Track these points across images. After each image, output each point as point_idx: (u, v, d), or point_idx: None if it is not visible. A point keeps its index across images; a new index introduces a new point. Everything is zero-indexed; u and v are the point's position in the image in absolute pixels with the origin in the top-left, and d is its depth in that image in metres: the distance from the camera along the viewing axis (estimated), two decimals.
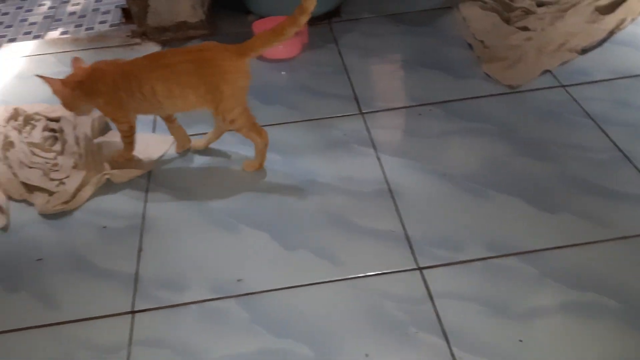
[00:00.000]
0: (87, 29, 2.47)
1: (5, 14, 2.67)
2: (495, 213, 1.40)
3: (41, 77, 1.45)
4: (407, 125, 1.71)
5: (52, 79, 1.45)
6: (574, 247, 1.29)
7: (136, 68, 1.43)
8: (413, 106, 1.79)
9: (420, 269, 1.28)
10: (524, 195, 1.44)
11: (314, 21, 2.21)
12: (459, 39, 2.10)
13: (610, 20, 2.04)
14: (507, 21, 2.13)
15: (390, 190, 1.49)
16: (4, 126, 1.64)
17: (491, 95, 1.80)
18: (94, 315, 1.22)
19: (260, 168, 1.57)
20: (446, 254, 1.31)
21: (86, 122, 1.67)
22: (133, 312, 1.22)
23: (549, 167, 1.52)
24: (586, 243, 1.30)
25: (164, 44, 2.19)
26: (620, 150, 1.54)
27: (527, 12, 2.14)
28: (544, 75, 1.86)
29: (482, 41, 2.05)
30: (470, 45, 2.05)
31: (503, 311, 1.18)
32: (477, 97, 1.80)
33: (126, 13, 2.45)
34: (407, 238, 1.35)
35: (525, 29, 2.06)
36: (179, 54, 1.48)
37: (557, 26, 2.04)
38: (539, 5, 2.18)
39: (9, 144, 1.58)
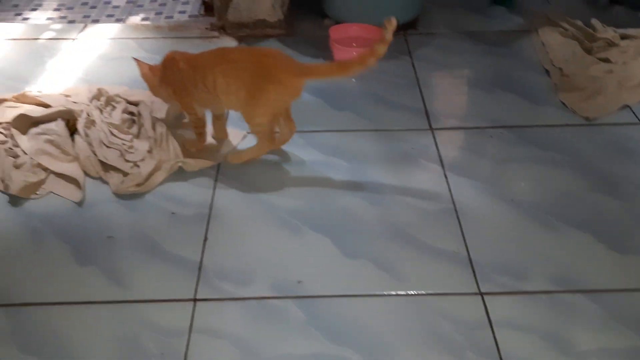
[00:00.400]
0: (166, 17, 2.54)
1: None
2: (564, 246, 1.37)
3: (136, 60, 1.55)
4: (477, 146, 1.69)
5: (143, 62, 1.52)
6: None
7: (203, 60, 1.49)
8: (485, 127, 1.77)
9: (481, 294, 1.26)
10: (595, 232, 1.40)
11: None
12: (536, 64, 2.06)
13: None
14: (588, 51, 2.09)
15: (455, 210, 1.47)
16: (88, 105, 1.70)
17: (566, 125, 1.77)
18: (158, 298, 1.26)
19: (243, 161, 1.58)
20: (510, 282, 1.29)
21: (162, 109, 1.72)
22: (195, 300, 1.25)
23: (622, 206, 1.48)
24: None
25: (240, 39, 2.23)
26: None
27: (610, 44, 2.09)
28: (623, 110, 1.82)
29: (560, 69, 2.01)
30: (547, 72, 2.01)
31: (564, 348, 1.15)
32: (552, 126, 1.77)
33: (206, 5, 2.51)
34: (470, 261, 1.34)
35: (606, 60, 2.01)
36: (245, 52, 1.56)
37: None
38: (623, 37, 2.13)
39: (90, 122, 1.64)
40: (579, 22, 2.23)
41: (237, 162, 1.59)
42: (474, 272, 1.31)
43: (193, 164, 1.56)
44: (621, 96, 1.86)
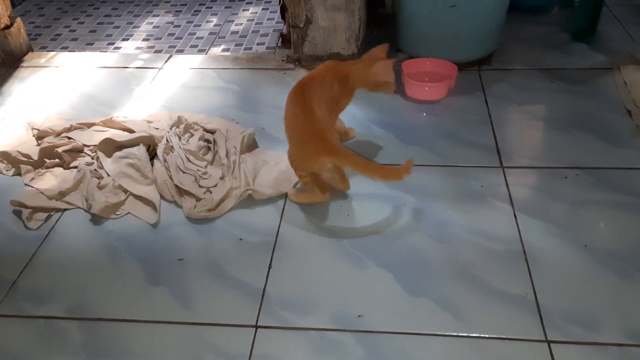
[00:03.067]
0: (245, 49, 2.65)
1: (177, 26, 2.93)
2: (639, 297, 1.30)
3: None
4: (550, 187, 1.64)
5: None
6: None
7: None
8: (559, 167, 1.72)
9: (548, 341, 1.22)
10: None
11: (463, 66, 2.22)
12: (617, 104, 1.99)
13: None
14: None
15: (524, 253, 1.44)
16: (168, 131, 1.80)
17: None
18: (221, 322, 1.29)
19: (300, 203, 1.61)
20: (579, 331, 1.24)
21: (237, 137, 1.79)
22: (257, 327, 1.28)
23: None
24: None
25: None
26: None
27: None
28: None
29: None
30: (629, 112, 1.93)
31: None
32: (632, 169, 1.69)
33: (283, 38, 2.60)
34: (538, 306, 1.30)
35: None
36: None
37: None
38: None
39: (169, 148, 1.73)
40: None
41: (295, 201, 1.61)
42: (541, 318, 1.27)
43: (262, 192, 1.61)
44: None
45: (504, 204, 1.59)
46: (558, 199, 1.60)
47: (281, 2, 2.34)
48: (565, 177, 1.68)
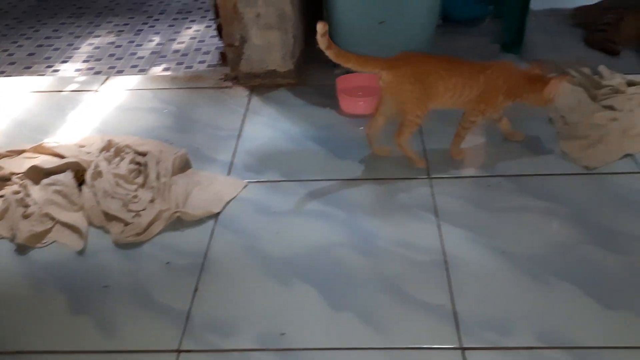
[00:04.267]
0: (186, 67, 2.66)
1: (118, 46, 2.93)
2: (552, 301, 1.36)
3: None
4: (474, 196, 1.70)
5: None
6: (628, 350, 1.23)
7: None
8: (483, 176, 1.78)
9: (462, 349, 1.26)
10: (586, 286, 1.39)
11: None
12: (542, 112, 2.06)
13: None
14: (594, 98, 2.08)
15: (445, 262, 1.48)
16: (97, 156, 1.80)
17: (566, 174, 1.76)
18: (142, 349, 1.30)
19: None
20: (492, 336, 1.28)
21: (169, 159, 1.80)
22: (179, 351, 1.29)
23: (617, 260, 1.46)
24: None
25: (252, 89, 2.32)
26: None
27: (616, 91, 2.08)
28: (625, 158, 1.80)
29: (563, 117, 2.01)
30: (551, 120, 2.01)
31: None
32: (551, 175, 1.76)
33: (223, 56, 2.62)
34: (455, 314, 1.34)
35: (611, 108, 2.00)
36: None
37: None
38: (630, 84, 2.11)
39: (97, 174, 1.73)
40: (587, 70, 2.23)
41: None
42: (457, 325, 1.31)
43: (191, 214, 1.62)
44: (623, 145, 1.84)
45: (430, 215, 1.64)
46: (480, 207, 1.65)
47: (217, 21, 2.36)
48: (489, 185, 1.74)
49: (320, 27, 1.58)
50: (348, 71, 2.32)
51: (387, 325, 1.32)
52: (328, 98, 2.20)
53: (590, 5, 2.67)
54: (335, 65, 2.40)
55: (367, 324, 1.33)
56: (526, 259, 1.47)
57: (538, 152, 1.86)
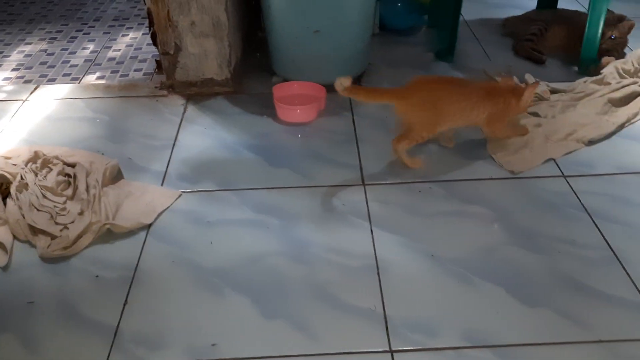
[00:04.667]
0: (122, 76, 2.61)
1: (51, 54, 2.84)
2: (477, 301, 1.41)
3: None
4: (405, 201, 1.74)
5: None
6: (547, 346, 1.29)
7: None
8: (414, 182, 1.82)
9: (392, 351, 1.29)
10: (508, 286, 1.44)
11: (334, 88, 2.30)
12: None
13: (622, 113, 2.05)
14: None
15: (377, 267, 1.51)
16: (23, 167, 1.74)
17: (492, 178, 1.82)
18: None
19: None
20: (420, 338, 1.32)
21: (99, 170, 1.76)
22: None
23: (537, 260, 1.52)
24: (561, 343, 1.29)
25: (188, 98, 2.30)
26: (612, 250, 1.53)
27: (540, 98, 2.18)
28: (548, 162, 1.88)
29: None
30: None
31: None
32: (479, 179, 1.83)
33: (159, 64, 2.59)
34: (385, 318, 1.37)
35: (535, 114, 2.09)
36: None
37: (568, 115, 2.07)
38: (553, 92, 2.22)
39: (23, 186, 1.68)
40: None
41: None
42: (387, 329, 1.34)
43: (121, 225, 1.59)
44: (546, 150, 1.93)
45: (363, 221, 1.67)
46: (411, 212, 1.70)
47: (151, 29, 2.33)
48: (420, 191, 1.78)
49: (339, 84, 1.76)
50: (286, 79, 2.34)
51: (318, 331, 1.34)
52: (265, 106, 2.21)
53: (519, 16, 2.79)
54: (273, 73, 2.44)
55: (299, 331, 1.34)
56: (453, 262, 1.51)
57: (467, 158, 1.93)
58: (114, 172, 1.79)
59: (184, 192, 1.77)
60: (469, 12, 3.00)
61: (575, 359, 1.27)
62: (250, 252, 1.56)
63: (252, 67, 2.50)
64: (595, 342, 1.29)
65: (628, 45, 2.49)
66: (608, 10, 2.29)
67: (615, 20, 2.34)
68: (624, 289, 1.43)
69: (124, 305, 1.40)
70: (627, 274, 1.47)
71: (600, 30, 2.28)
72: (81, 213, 1.63)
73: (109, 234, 1.61)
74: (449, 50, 2.55)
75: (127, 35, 3.06)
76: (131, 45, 2.94)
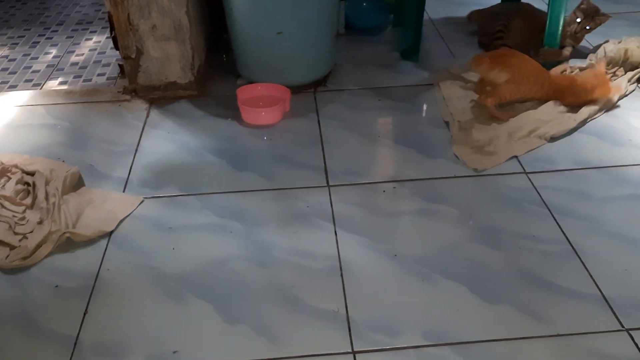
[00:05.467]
0: (85, 80, 2.57)
1: (12, 60, 2.79)
2: (438, 300, 1.42)
3: None
4: (369, 202, 1.75)
5: None
6: (507, 342, 1.31)
7: None
8: (379, 182, 1.83)
9: (354, 352, 1.29)
10: (469, 283, 1.46)
11: (300, 89, 2.31)
12: (436, 118, 2.15)
13: (584, 110, 2.08)
14: None
15: (340, 268, 1.51)
16: None
17: (455, 177, 1.84)
18: None
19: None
20: (383, 338, 1.32)
21: (59, 178, 1.74)
22: None
23: (498, 256, 1.54)
24: (519, 338, 1.31)
25: (152, 102, 2.28)
26: (571, 244, 1.56)
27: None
28: (511, 159, 1.90)
29: (459, 121, 2.10)
30: (447, 124, 2.10)
31: None
32: (442, 178, 1.84)
33: (122, 68, 2.56)
34: (348, 319, 1.37)
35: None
36: None
37: (530, 112, 2.09)
38: None
39: None
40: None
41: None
42: (349, 330, 1.34)
43: (82, 234, 1.57)
44: (510, 147, 1.95)
45: (327, 222, 1.67)
46: (375, 212, 1.70)
47: (112, 32, 2.30)
48: (384, 191, 1.79)
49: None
50: (251, 81, 2.33)
51: (281, 335, 1.34)
52: (230, 109, 2.20)
53: (482, 10, 2.80)
54: (238, 75, 2.42)
55: (262, 335, 1.34)
56: (416, 261, 1.52)
57: (431, 156, 1.94)
58: (75, 179, 1.77)
59: (146, 198, 1.75)
60: (434, 10, 3.03)
61: (534, 353, 1.28)
62: (212, 257, 1.54)
63: (217, 70, 2.49)
64: (554, 337, 1.31)
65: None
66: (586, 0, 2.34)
67: (592, 12, 2.38)
68: (582, 282, 1.45)
69: (84, 314, 1.39)
70: (585, 267, 1.49)
71: (561, 23, 2.31)
72: (40, 222, 1.60)
73: (69, 243, 1.58)
74: (414, 49, 2.56)
75: (91, 39, 3.02)
76: (95, 49, 2.90)
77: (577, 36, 2.38)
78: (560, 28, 2.32)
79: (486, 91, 2.10)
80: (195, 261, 1.54)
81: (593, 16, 2.35)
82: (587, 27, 2.36)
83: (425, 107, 2.24)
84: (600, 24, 2.37)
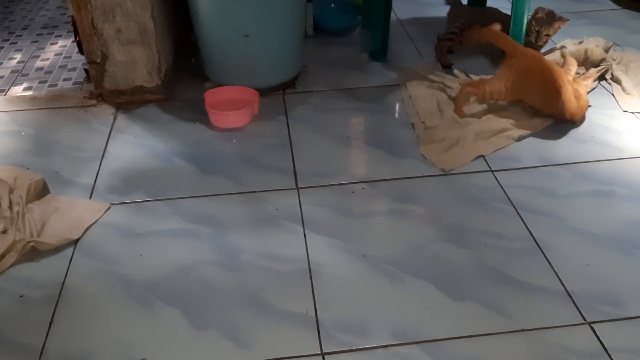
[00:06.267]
0: (50, 86, 2.53)
1: None
2: (407, 299, 1.44)
3: None
4: (338, 203, 1.76)
5: None
6: (473, 338, 1.33)
7: None
8: (348, 183, 1.84)
9: (323, 354, 1.30)
10: (437, 282, 1.47)
11: (269, 91, 2.31)
12: (404, 118, 2.17)
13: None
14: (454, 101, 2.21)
15: (309, 270, 1.52)
16: None
17: (423, 176, 1.86)
18: None
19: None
20: (351, 339, 1.33)
21: (23, 186, 1.71)
22: None
23: (465, 254, 1.56)
24: (485, 334, 1.33)
25: (118, 106, 2.26)
26: (535, 240, 1.59)
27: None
28: (478, 158, 1.93)
29: (423, 122, 2.12)
30: (413, 125, 2.12)
31: None
32: (411, 178, 1.86)
33: (88, 73, 2.53)
34: (317, 321, 1.38)
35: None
36: None
37: (496, 116, 2.12)
38: None
39: None
40: (447, 75, 2.38)
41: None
42: (318, 332, 1.35)
43: (47, 242, 1.55)
44: (477, 147, 1.97)
45: (296, 225, 1.67)
46: (344, 213, 1.71)
47: (77, 37, 2.27)
48: (353, 192, 1.80)
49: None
50: (219, 84, 2.32)
51: (250, 339, 1.34)
52: (198, 113, 2.19)
53: (449, 11, 2.83)
54: (206, 79, 2.41)
55: (230, 339, 1.34)
56: (384, 261, 1.54)
57: (399, 156, 1.96)
58: (39, 187, 1.74)
59: (113, 204, 1.74)
60: (402, 11, 3.05)
61: (499, 349, 1.30)
62: (181, 263, 1.54)
63: (185, 73, 2.47)
64: (519, 332, 1.34)
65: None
66: (540, 7, 2.37)
67: (549, 19, 2.41)
68: (546, 278, 1.48)
69: (50, 324, 1.37)
70: (549, 263, 1.52)
71: (524, 27, 2.35)
72: (4, 231, 1.57)
73: (34, 252, 1.56)
74: (382, 50, 2.58)
75: (57, 43, 2.97)
76: (60, 54, 2.86)
77: (539, 44, 2.41)
78: (524, 30, 2.36)
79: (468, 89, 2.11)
80: (164, 267, 1.53)
81: (550, 23, 2.38)
82: (547, 35, 2.39)
83: (393, 107, 2.26)
84: (558, 29, 2.41)
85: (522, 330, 1.34)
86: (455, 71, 2.40)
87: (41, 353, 1.30)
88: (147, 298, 1.44)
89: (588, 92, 2.19)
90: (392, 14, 2.86)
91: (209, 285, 1.48)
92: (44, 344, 1.32)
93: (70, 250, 1.58)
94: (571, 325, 1.36)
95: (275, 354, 1.30)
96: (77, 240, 1.61)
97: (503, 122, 2.07)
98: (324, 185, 1.84)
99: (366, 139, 2.08)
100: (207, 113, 2.16)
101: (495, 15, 2.64)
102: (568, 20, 2.39)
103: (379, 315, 1.39)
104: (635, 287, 1.45)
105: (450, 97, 2.23)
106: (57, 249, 1.58)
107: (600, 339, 1.32)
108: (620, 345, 1.31)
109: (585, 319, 1.37)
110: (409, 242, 1.60)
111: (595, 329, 1.35)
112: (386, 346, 1.32)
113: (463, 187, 1.81)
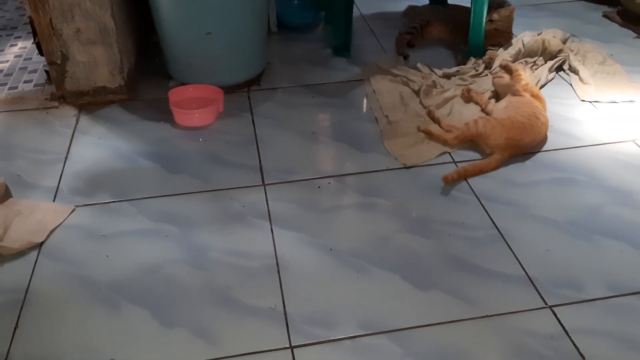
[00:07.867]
0: (10, 88, 2.48)
1: None
2: (374, 290, 1.46)
3: None
4: (305, 198, 1.77)
5: None
6: (439, 326, 1.36)
7: None
8: (314, 179, 1.85)
9: (292, 347, 1.32)
10: (403, 272, 1.50)
11: (234, 89, 2.30)
12: (367, 112, 2.20)
13: None
14: (417, 93, 2.24)
15: (277, 265, 1.53)
16: None
17: (387, 169, 1.88)
18: None
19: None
20: (320, 332, 1.35)
21: None
22: None
23: (430, 244, 1.59)
24: (450, 322, 1.37)
25: (81, 107, 2.23)
26: (497, 229, 1.63)
27: (435, 86, 2.26)
28: (442, 154, 1.96)
29: (387, 116, 2.14)
30: (376, 119, 2.14)
31: None
32: (375, 171, 1.88)
33: (48, 74, 2.49)
34: (285, 316, 1.39)
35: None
36: None
37: (463, 110, 2.16)
38: (446, 76, 2.31)
39: None
40: (410, 69, 2.41)
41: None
42: (287, 326, 1.36)
43: (9, 247, 1.53)
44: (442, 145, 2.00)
45: (263, 221, 1.68)
46: (311, 208, 1.73)
47: (36, 38, 2.23)
48: (319, 187, 1.82)
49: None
50: (183, 83, 2.31)
51: (219, 336, 1.34)
52: (162, 112, 2.18)
53: (416, 7, 2.88)
54: (170, 78, 2.40)
55: (200, 337, 1.34)
56: (350, 254, 1.56)
57: (363, 151, 1.97)
58: (1, 191, 1.71)
59: (77, 206, 1.72)
60: (365, 6, 3.08)
61: (464, 335, 1.34)
62: (147, 263, 1.53)
63: (148, 73, 2.45)
64: (483, 318, 1.37)
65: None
66: None
67: (495, 5, 2.47)
68: (508, 264, 1.52)
69: (15, 329, 1.35)
70: (511, 250, 1.56)
71: (484, 19, 2.40)
72: None
73: None
74: (345, 45, 2.60)
75: (16, 45, 2.91)
76: (20, 56, 2.80)
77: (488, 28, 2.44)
78: (484, 24, 2.40)
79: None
80: (130, 268, 1.52)
81: (496, 8, 2.43)
82: (494, 22, 2.43)
83: (357, 102, 2.28)
84: (509, 16, 2.45)
85: (486, 316, 1.38)
86: (419, 65, 2.43)
87: (6, 358, 1.28)
88: (114, 299, 1.43)
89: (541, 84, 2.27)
90: (355, 9, 2.89)
91: (176, 284, 1.47)
92: (9, 349, 1.31)
93: (34, 254, 1.56)
94: (533, 309, 1.40)
95: (245, 349, 1.31)
96: (42, 243, 1.59)
97: (467, 117, 2.10)
98: (290, 181, 1.85)
99: (331, 134, 2.10)
100: (172, 112, 2.14)
101: (456, 12, 2.69)
102: (514, 7, 2.46)
103: (346, 307, 1.41)
104: (594, 270, 1.50)
105: (413, 90, 2.26)
106: (20, 253, 1.55)
107: (561, 321, 1.37)
108: (579, 327, 1.35)
109: (546, 303, 1.41)
110: (375, 235, 1.63)
111: (556, 312, 1.39)
112: (354, 337, 1.34)
113: (427, 179, 1.84)
